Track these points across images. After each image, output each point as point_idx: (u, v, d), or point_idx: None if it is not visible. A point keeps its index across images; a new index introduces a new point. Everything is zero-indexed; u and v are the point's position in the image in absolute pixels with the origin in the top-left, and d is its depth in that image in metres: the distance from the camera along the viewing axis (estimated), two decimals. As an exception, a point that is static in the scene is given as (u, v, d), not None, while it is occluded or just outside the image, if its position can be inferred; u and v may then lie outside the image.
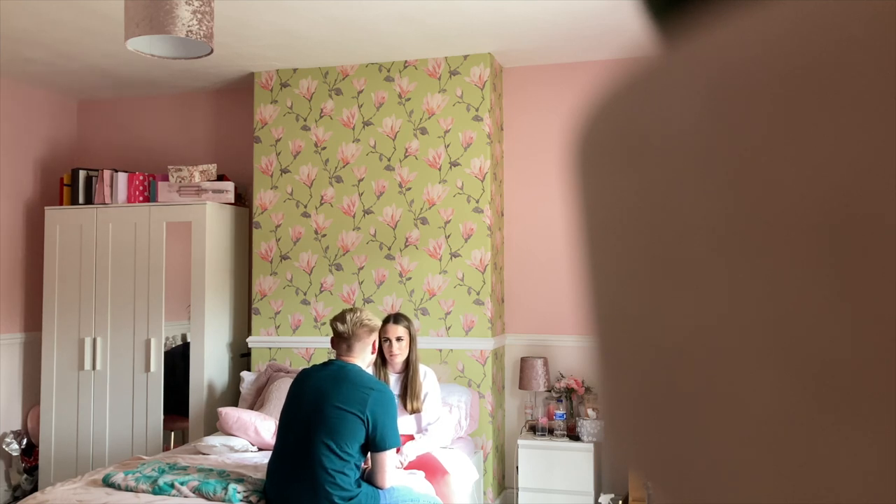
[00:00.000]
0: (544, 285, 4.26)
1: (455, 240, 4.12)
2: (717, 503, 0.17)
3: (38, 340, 4.76)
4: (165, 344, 4.36)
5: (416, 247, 4.18)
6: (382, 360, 3.42)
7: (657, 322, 0.19)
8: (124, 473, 2.97)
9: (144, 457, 3.41)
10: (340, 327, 2.81)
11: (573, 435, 3.91)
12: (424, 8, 3.51)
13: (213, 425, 4.18)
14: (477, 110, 4.13)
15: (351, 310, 2.86)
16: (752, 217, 0.16)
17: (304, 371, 2.85)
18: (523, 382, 4.02)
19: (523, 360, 4.06)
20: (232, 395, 4.44)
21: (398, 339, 3.38)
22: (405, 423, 3.34)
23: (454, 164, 4.15)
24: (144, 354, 4.33)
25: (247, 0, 3.42)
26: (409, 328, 3.43)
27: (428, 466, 3.24)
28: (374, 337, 2.87)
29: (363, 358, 2.84)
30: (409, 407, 3.38)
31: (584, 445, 3.80)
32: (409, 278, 4.18)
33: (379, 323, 2.90)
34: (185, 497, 2.83)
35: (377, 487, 2.74)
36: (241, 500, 2.78)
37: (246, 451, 3.56)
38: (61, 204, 4.62)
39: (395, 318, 3.43)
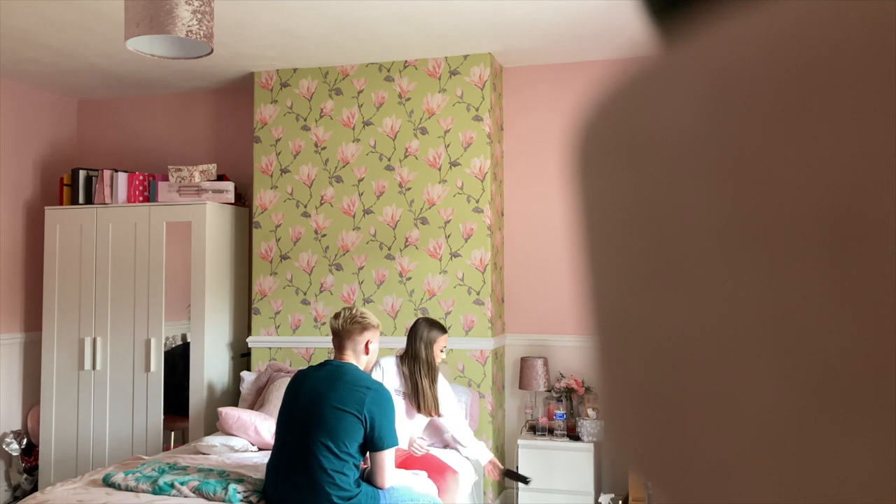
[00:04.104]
0: (544, 285, 4.26)
1: (455, 240, 4.12)
2: (717, 503, 0.17)
3: (38, 340, 4.76)
4: (165, 344, 4.36)
5: (416, 247, 4.17)
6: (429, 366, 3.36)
7: (657, 322, 0.19)
8: (124, 473, 2.97)
9: (144, 457, 3.41)
10: (334, 324, 2.81)
11: (573, 435, 3.91)
12: (424, 8, 3.51)
13: (213, 425, 4.17)
14: (477, 110, 4.13)
15: (347, 308, 2.85)
16: (752, 217, 0.16)
17: (301, 372, 2.84)
18: (523, 382, 4.02)
19: (523, 360, 4.06)
20: (232, 395, 4.44)
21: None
22: (419, 422, 3.38)
23: (454, 164, 4.15)
24: (144, 354, 4.33)
25: (247, 0, 3.42)
26: None
27: (435, 466, 3.25)
28: (368, 336, 2.80)
29: (358, 357, 2.81)
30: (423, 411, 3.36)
31: (584, 445, 3.80)
32: (409, 278, 4.18)
33: (374, 322, 2.83)
34: (185, 497, 2.83)
35: (377, 487, 2.74)
36: (241, 500, 2.78)
37: (246, 451, 3.56)
38: (61, 204, 4.62)
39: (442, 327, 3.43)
